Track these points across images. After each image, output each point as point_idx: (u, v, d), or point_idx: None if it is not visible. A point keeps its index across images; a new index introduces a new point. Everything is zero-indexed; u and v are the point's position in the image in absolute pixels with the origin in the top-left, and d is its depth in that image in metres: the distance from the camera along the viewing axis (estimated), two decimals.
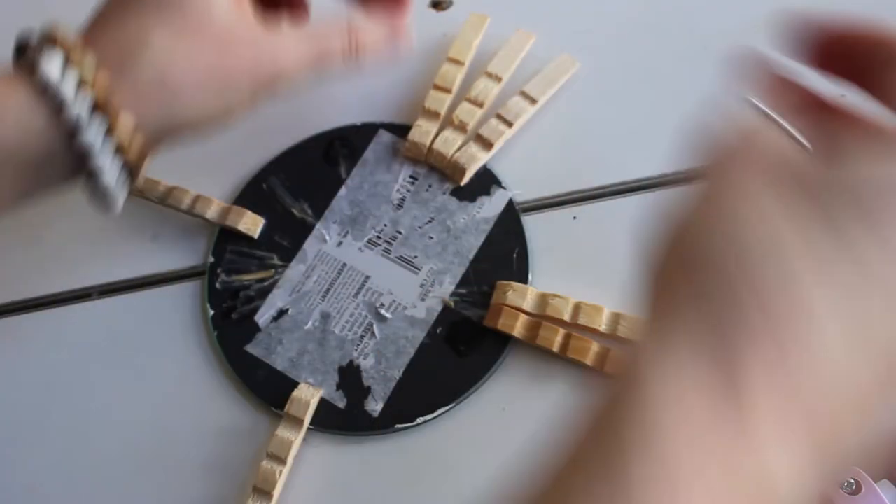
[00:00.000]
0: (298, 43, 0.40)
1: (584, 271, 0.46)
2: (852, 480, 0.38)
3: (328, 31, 0.41)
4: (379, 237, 0.47)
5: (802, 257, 0.23)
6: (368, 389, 0.44)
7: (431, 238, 0.47)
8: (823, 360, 0.22)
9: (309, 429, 0.44)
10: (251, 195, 0.49)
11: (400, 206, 0.48)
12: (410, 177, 0.49)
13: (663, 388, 0.22)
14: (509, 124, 0.48)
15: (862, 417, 0.23)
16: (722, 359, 0.22)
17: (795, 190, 0.24)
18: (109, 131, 0.35)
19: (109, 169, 0.36)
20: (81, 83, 0.35)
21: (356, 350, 0.45)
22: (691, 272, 0.24)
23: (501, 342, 0.45)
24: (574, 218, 0.47)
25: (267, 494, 0.42)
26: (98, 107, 0.35)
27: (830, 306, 0.22)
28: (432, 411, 0.44)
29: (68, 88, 0.34)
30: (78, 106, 0.34)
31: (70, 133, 0.35)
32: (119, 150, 0.36)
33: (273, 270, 0.47)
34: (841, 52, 0.28)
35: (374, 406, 0.44)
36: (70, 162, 0.35)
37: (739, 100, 0.28)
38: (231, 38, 0.38)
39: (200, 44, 0.37)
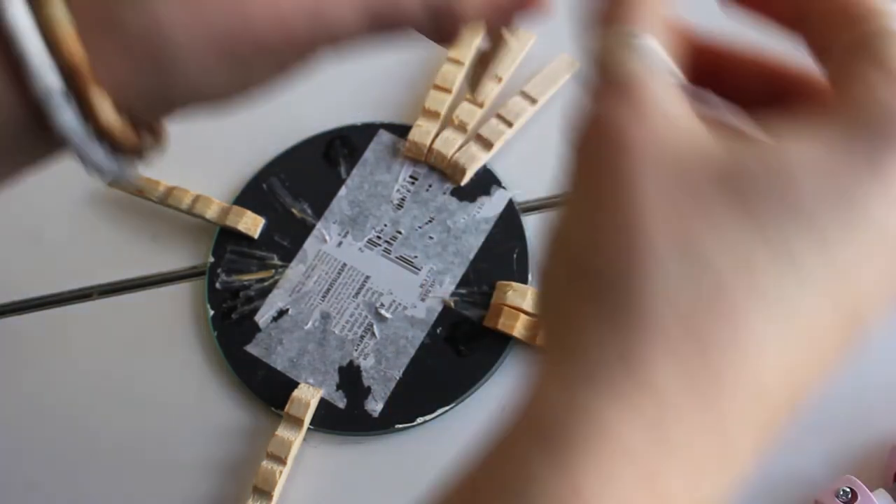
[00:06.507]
0: None
1: None
2: (848, 490, 0.38)
3: None
4: (379, 237, 0.47)
5: (716, 256, 0.20)
6: (368, 389, 0.44)
7: (431, 238, 0.47)
8: (754, 373, 0.20)
9: (309, 429, 0.44)
10: (251, 195, 0.49)
11: (400, 206, 0.48)
12: (410, 177, 0.49)
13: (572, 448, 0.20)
14: (509, 124, 0.48)
15: (794, 406, 0.21)
16: (637, 389, 0.19)
17: (702, 179, 0.20)
18: (87, 113, 0.26)
19: (98, 154, 0.27)
20: (49, 41, 0.25)
21: (356, 350, 0.45)
22: (587, 290, 0.21)
23: (501, 342, 0.45)
24: None
25: (267, 494, 0.42)
26: (70, 79, 0.25)
27: (760, 314, 0.20)
28: (432, 411, 0.44)
29: (32, 45, 0.25)
30: (45, 76, 0.25)
31: (38, 108, 0.26)
32: (103, 134, 0.27)
33: (273, 270, 0.47)
34: None
35: (374, 406, 0.44)
36: (46, 138, 0.27)
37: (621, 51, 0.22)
38: None
39: None
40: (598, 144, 0.22)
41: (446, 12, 0.27)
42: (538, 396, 0.21)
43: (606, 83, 0.22)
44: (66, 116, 0.25)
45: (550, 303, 0.22)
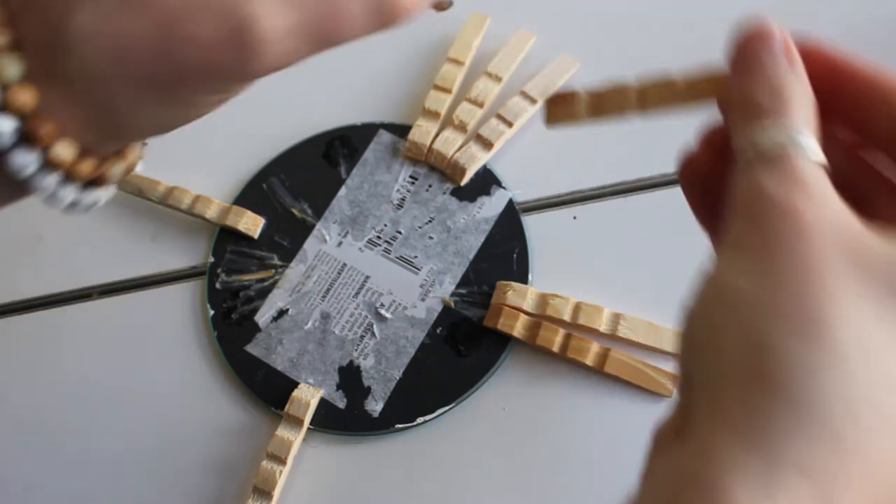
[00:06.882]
0: (288, 6, 0.25)
1: (584, 271, 0.46)
2: None
3: None
4: (379, 237, 0.47)
5: None
6: (368, 389, 0.44)
7: (431, 238, 0.47)
8: None
9: (309, 429, 0.44)
10: (251, 195, 0.49)
11: (400, 206, 0.48)
12: (410, 177, 0.49)
13: None
14: (509, 124, 0.48)
15: None
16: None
17: (887, 282, 0.21)
18: (47, 160, 0.27)
19: (64, 192, 0.28)
20: (3, 97, 0.26)
21: (356, 350, 0.45)
22: (770, 377, 0.20)
23: (501, 342, 0.45)
24: (574, 218, 0.47)
25: (267, 494, 0.42)
26: (25, 132, 0.26)
27: None
28: (432, 411, 0.44)
29: None
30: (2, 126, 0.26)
31: None
32: (67, 176, 0.27)
33: (273, 270, 0.47)
34: (827, 82, 0.25)
35: (374, 406, 0.44)
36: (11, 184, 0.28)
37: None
38: (181, 13, 0.25)
39: (137, 26, 0.25)
40: (779, 225, 0.22)
41: (391, 21, 0.27)
42: (724, 494, 0.20)
43: (780, 171, 0.23)
44: (20, 156, 0.26)
45: (719, 375, 0.21)
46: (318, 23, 0.26)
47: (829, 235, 0.21)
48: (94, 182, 0.29)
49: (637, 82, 0.29)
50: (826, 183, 0.22)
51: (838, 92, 0.25)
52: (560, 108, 0.30)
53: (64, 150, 0.27)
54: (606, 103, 0.30)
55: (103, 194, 0.30)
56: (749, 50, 0.25)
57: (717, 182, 0.27)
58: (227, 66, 0.26)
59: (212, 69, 0.26)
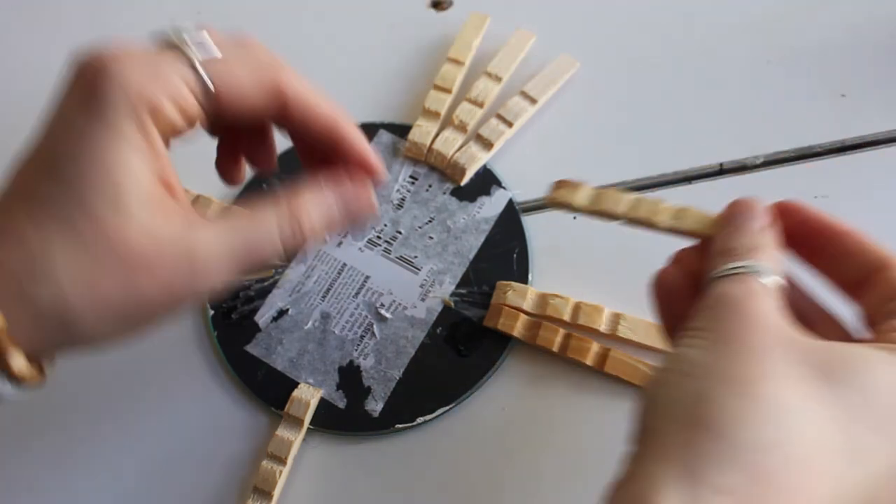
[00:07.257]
0: (225, 244, 0.32)
1: (584, 271, 0.46)
2: None
3: (263, 216, 0.34)
4: (379, 237, 0.47)
5: (804, 426, 0.26)
6: (368, 389, 0.44)
7: (431, 238, 0.47)
8: None
9: (309, 429, 0.44)
10: (251, 195, 0.49)
11: (400, 206, 0.48)
12: (410, 177, 0.49)
13: None
14: (509, 124, 0.48)
15: None
16: None
17: (804, 366, 0.27)
18: (9, 373, 0.30)
19: (9, 392, 0.31)
20: None
21: (356, 350, 0.45)
22: (702, 422, 0.26)
23: (501, 342, 0.45)
24: (574, 218, 0.47)
25: (267, 494, 0.42)
26: None
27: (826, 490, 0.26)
28: (432, 411, 0.44)
29: None
30: None
31: None
32: (14, 379, 0.31)
33: (273, 270, 0.47)
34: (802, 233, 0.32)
35: (374, 406, 0.44)
36: None
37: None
38: (146, 260, 0.30)
39: (106, 269, 0.30)
40: (732, 316, 0.29)
41: (299, 248, 0.34)
42: None
43: (740, 284, 0.30)
44: None
45: (666, 420, 0.27)
46: (247, 249, 0.32)
47: (768, 327, 0.28)
48: (31, 385, 0.32)
49: (634, 196, 0.35)
50: (773, 297, 0.29)
51: (812, 242, 0.32)
52: (564, 192, 0.36)
53: (20, 362, 0.30)
54: (602, 202, 0.35)
55: (29, 392, 0.32)
56: (736, 215, 0.32)
57: (681, 296, 0.33)
58: (183, 293, 0.31)
59: (172, 298, 0.31)
